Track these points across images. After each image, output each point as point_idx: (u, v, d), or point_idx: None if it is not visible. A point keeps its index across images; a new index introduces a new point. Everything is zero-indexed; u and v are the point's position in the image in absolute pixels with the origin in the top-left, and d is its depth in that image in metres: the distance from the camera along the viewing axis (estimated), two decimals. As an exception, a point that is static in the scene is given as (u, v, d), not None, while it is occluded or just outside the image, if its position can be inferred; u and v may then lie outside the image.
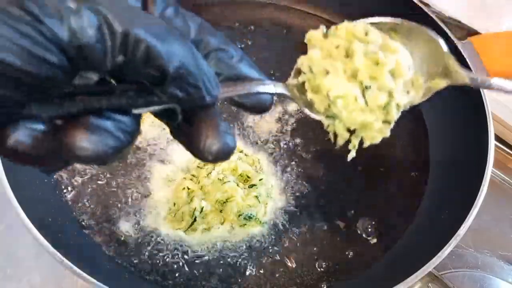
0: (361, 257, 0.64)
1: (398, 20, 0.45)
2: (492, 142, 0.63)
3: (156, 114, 0.30)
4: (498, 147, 0.86)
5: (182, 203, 0.63)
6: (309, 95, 0.42)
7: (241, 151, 0.69)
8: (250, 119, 0.74)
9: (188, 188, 0.63)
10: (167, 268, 0.61)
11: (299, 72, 0.44)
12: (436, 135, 0.75)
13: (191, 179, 0.65)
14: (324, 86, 0.41)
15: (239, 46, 0.83)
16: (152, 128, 0.71)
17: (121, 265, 0.61)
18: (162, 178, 0.67)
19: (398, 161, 0.71)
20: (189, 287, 0.60)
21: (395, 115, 0.44)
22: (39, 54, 0.21)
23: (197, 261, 0.62)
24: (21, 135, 0.24)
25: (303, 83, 0.43)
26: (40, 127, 0.24)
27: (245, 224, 0.63)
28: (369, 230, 0.66)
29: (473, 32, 0.92)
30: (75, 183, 0.66)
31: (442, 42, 0.44)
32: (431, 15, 0.74)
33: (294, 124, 0.74)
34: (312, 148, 0.72)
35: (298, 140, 0.72)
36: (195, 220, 0.62)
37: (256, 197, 0.64)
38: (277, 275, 0.62)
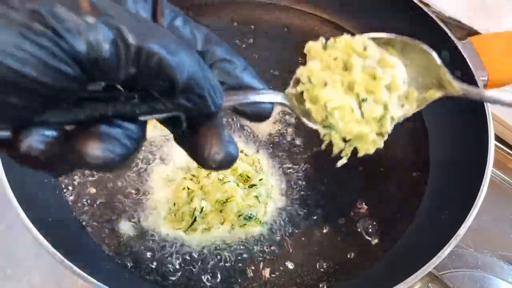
0: (361, 257, 0.64)
1: (392, 36, 0.46)
2: (492, 142, 0.63)
3: (161, 121, 0.30)
4: (498, 147, 0.86)
5: (182, 203, 0.63)
6: (307, 105, 0.43)
7: (241, 151, 0.69)
8: (250, 119, 0.74)
9: (188, 188, 0.63)
10: (167, 268, 0.61)
11: (298, 81, 0.45)
12: (436, 135, 0.75)
13: (191, 179, 0.65)
14: (322, 97, 0.43)
15: (239, 46, 0.83)
16: (153, 128, 0.71)
17: (121, 265, 0.61)
18: (162, 178, 0.67)
19: (398, 161, 0.71)
20: (189, 287, 0.60)
21: (389, 127, 0.46)
22: (56, 66, 0.22)
23: (197, 261, 0.62)
24: (34, 141, 0.25)
25: (302, 92, 0.44)
26: (51, 133, 0.25)
27: (245, 224, 0.63)
28: (369, 230, 0.66)
29: (473, 32, 0.92)
30: (75, 183, 0.66)
31: (435, 55, 0.46)
32: (431, 15, 0.74)
33: (294, 124, 0.74)
34: (313, 148, 0.72)
35: (298, 141, 0.72)
36: (195, 220, 0.62)
37: (256, 197, 0.64)
38: (277, 275, 0.62)
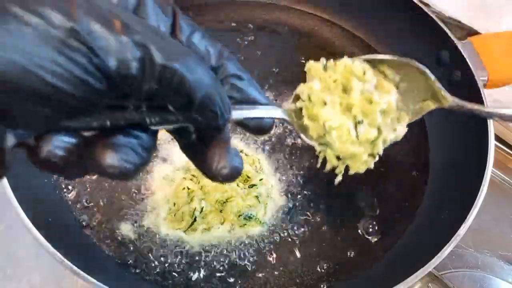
0: (361, 257, 0.64)
1: (386, 56, 0.50)
2: (492, 142, 0.63)
3: (169, 130, 0.31)
4: (498, 147, 0.86)
5: (182, 203, 0.63)
6: (305, 121, 0.46)
7: (241, 151, 0.69)
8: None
9: (188, 188, 0.63)
10: (167, 268, 0.61)
11: (297, 98, 0.47)
12: (436, 135, 0.75)
13: (191, 179, 0.65)
14: (321, 116, 0.45)
15: (239, 44, 0.83)
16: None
17: (121, 265, 0.61)
18: (162, 178, 0.67)
19: (398, 161, 0.71)
20: (189, 287, 0.60)
21: (381, 149, 0.50)
22: (86, 80, 0.24)
23: (197, 261, 0.62)
24: (54, 147, 0.26)
25: (301, 109, 0.47)
26: (71, 140, 0.27)
27: (245, 224, 0.63)
28: (369, 230, 0.66)
29: (473, 32, 0.92)
30: (75, 183, 0.66)
31: (429, 72, 0.49)
32: (431, 15, 0.74)
33: (294, 124, 0.74)
34: (313, 148, 0.72)
35: (298, 140, 0.72)
36: (195, 220, 0.62)
37: (256, 197, 0.64)
38: (277, 275, 0.62)
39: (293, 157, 0.71)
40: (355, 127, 0.46)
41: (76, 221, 0.64)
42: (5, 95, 0.22)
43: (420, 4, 0.76)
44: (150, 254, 0.62)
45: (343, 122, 0.46)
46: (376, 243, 0.65)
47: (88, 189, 0.66)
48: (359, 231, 0.66)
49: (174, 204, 0.64)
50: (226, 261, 0.62)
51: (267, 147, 0.71)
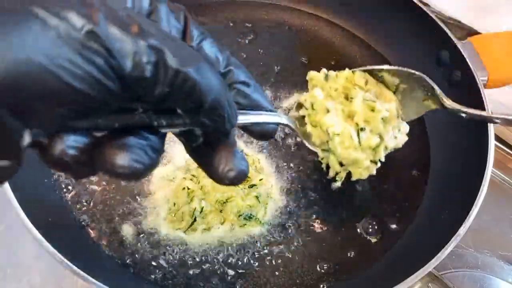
0: (361, 257, 0.64)
1: (385, 67, 0.51)
2: (492, 142, 0.63)
3: (176, 133, 0.32)
4: (498, 147, 0.86)
5: (182, 203, 0.63)
6: (309, 128, 0.48)
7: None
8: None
9: (188, 188, 0.63)
10: (167, 268, 0.61)
11: (300, 106, 0.49)
12: (436, 135, 0.75)
13: (191, 179, 0.65)
14: (324, 123, 0.47)
15: (240, 43, 0.83)
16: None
17: (121, 265, 0.61)
18: (162, 178, 0.67)
19: (398, 161, 0.71)
20: (189, 287, 0.60)
21: (382, 156, 0.51)
22: (102, 80, 0.24)
23: (197, 261, 0.62)
24: (66, 147, 0.26)
25: (303, 116, 0.48)
26: (83, 139, 0.27)
27: (245, 224, 0.63)
28: (369, 230, 0.66)
29: (473, 32, 0.92)
30: (75, 183, 0.66)
31: (426, 77, 0.51)
32: (431, 15, 0.74)
33: (294, 124, 0.74)
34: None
35: (298, 140, 0.72)
36: (195, 220, 0.62)
37: (256, 197, 0.64)
38: (277, 275, 0.62)
39: (293, 157, 0.71)
40: (358, 134, 0.47)
41: (76, 221, 0.64)
42: (26, 94, 0.23)
43: (420, 4, 0.76)
44: (150, 254, 0.62)
45: (346, 128, 0.47)
46: (376, 243, 0.65)
47: (88, 189, 0.66)
48: (359, 231, 0.66)
49: (174, 204, 0.64)
50: (226, 261, 0.62)
51: (267, 147, 0.71)
